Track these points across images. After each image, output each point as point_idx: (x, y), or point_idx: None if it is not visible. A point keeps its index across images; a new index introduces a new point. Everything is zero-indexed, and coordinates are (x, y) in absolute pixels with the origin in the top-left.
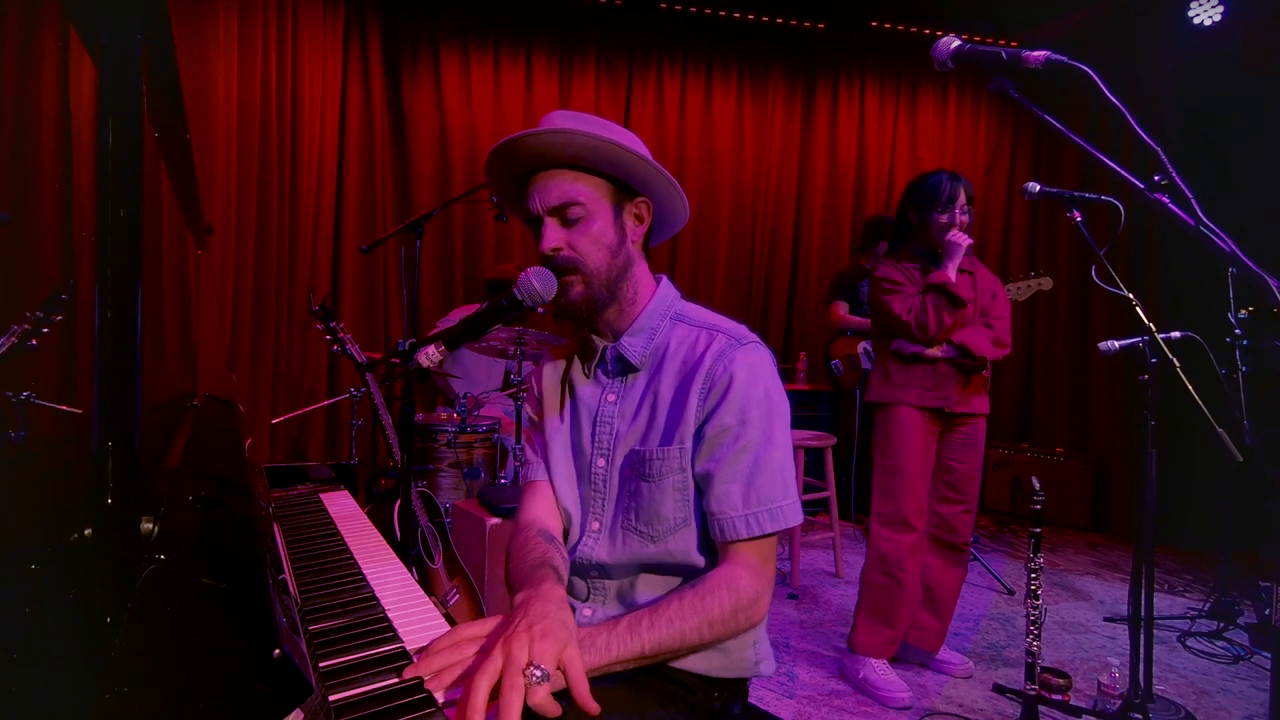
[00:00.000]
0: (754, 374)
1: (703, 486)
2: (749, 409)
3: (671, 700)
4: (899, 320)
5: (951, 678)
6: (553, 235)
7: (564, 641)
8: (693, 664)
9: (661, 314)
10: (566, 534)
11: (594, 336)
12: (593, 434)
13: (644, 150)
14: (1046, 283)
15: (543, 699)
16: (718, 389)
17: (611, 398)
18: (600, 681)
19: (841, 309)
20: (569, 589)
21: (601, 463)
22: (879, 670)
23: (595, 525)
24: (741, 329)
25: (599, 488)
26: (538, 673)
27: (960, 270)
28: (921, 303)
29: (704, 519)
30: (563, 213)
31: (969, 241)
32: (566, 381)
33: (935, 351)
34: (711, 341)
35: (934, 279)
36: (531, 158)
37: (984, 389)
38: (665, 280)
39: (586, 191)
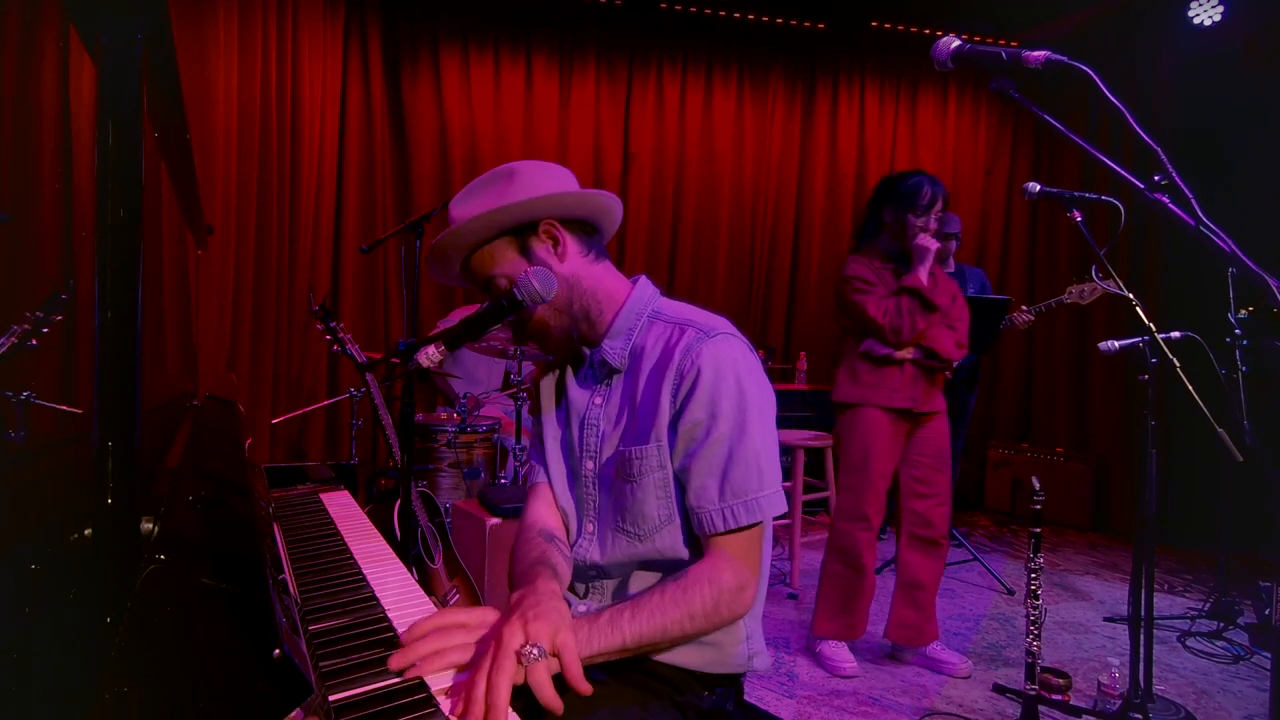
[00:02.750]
0: (721, 365)
1: (682, 482)
2: (719, 401)
3: (656, 697)
4: (873, 322)
5: (951, 678)
6: None
7: (557, 624)
8: (684, 658)
9: (638, 313)
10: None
11: (583, 347)
12: (580, 437)
13: (516, 186)
14: (1113, 286)
15: (542, 676)
16: (686, 383)
17: (598, 400)
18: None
19: None
20: (570, 588)
21: (590, 465)
22: (831, 644)
23: (590, 527)
24: (715, 321)
25: (589, 490)
26: (534, 651)
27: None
28: (895, 306)
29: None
30: (492, 290)
31: (937, 246)
32: (561, 386)
33: (905, 354)
34: (682, 336)
35: (908, 283)
36: (452, 255)
37: (941, 386)
38: (643, 280)
39: (495, 265)
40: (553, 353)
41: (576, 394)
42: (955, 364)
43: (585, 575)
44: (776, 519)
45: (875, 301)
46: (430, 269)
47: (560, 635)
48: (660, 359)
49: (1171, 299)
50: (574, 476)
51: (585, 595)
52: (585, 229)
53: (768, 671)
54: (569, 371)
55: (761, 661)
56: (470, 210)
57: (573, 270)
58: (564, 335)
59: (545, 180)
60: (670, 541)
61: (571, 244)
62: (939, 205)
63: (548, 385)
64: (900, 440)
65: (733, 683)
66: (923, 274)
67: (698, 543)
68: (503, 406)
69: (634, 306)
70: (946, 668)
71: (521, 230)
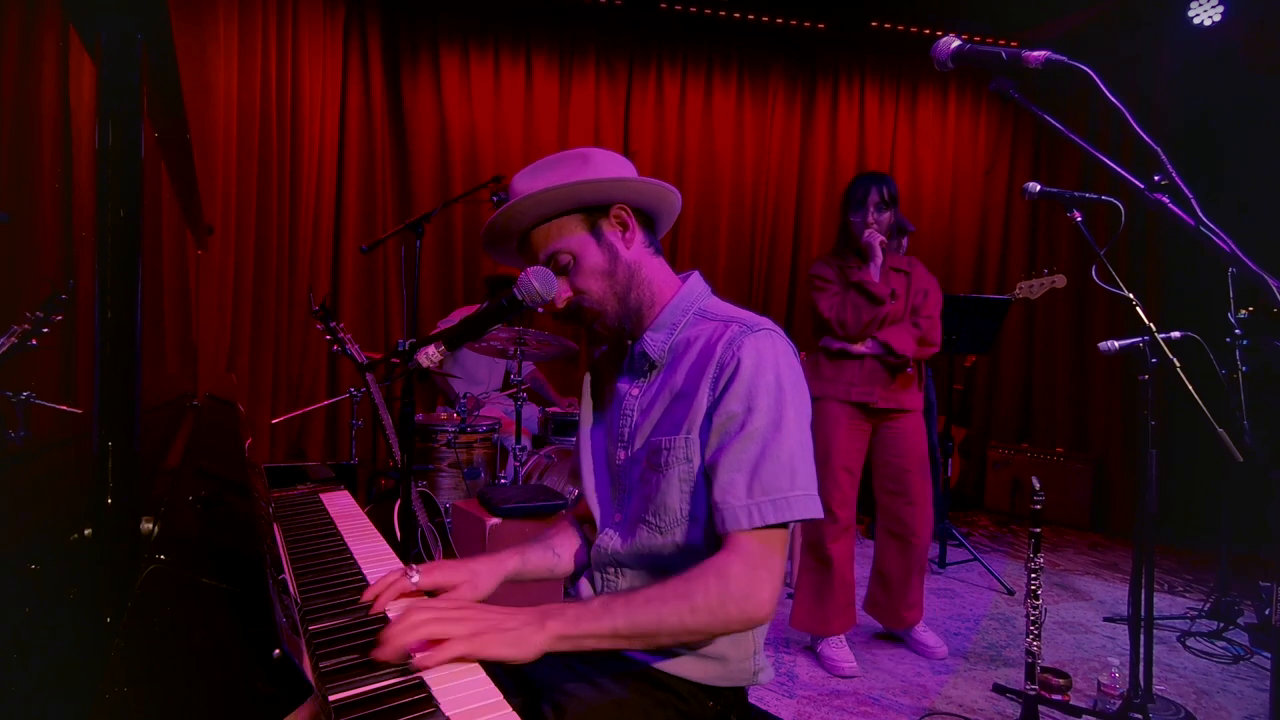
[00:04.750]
0: (762, 360)
1: (710, 477)
2: (756, 396)
3: (661, 707)
4: (822, 317)
5: (951, 677)
6: (560, 288)
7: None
8: (690, 671)
9: (684, 310)
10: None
11: (627, 340)
12: (615, 427)
13: (595, 167)
14: (1060, 280)
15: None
16: (726, 375)
17: (635, 392)
18: (587, 689)
19: None
20: (590, 583)
21: (622, 455)
22: (832, 644)
23: (618, 517)
24: (760, 319)
25: (620, 481)
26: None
27: (895, 270)
28: (842, 300)
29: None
30: (554, 265)
31: (879, 239)
32: (606, 380)
33: (860, 348)
34: (725, 331)
35: (854, 277)
36: (512, 230)
37: (913, 385)
38: (695, 277)
39: (560, 238)
40: (600, 337)
41: (617, 386)
42: (912, 361)
43: (604, 569)
44: None
45: (827, 297)
46: (486, 242)
47: (478, 636)
48: (702, 352)
49: (1171, 299)
50: (608, 467)
51: (600, 592)
52: (648, 221)
53: (769, 683)
54: (613, 365)
55: (766, 675)
56: (541, 184)
57: (636, 258)
58: (617, 322)
59: (618, 168)
60: (690, 539)
61: (639, 232)
62: (873, 197)
63: (593, 378)
64: (864, 435)
65: (737, 694)
66: (873, 269)
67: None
68: (503, 406)
69: (680, 303)
70: (924, 649)
71: (593, 210)
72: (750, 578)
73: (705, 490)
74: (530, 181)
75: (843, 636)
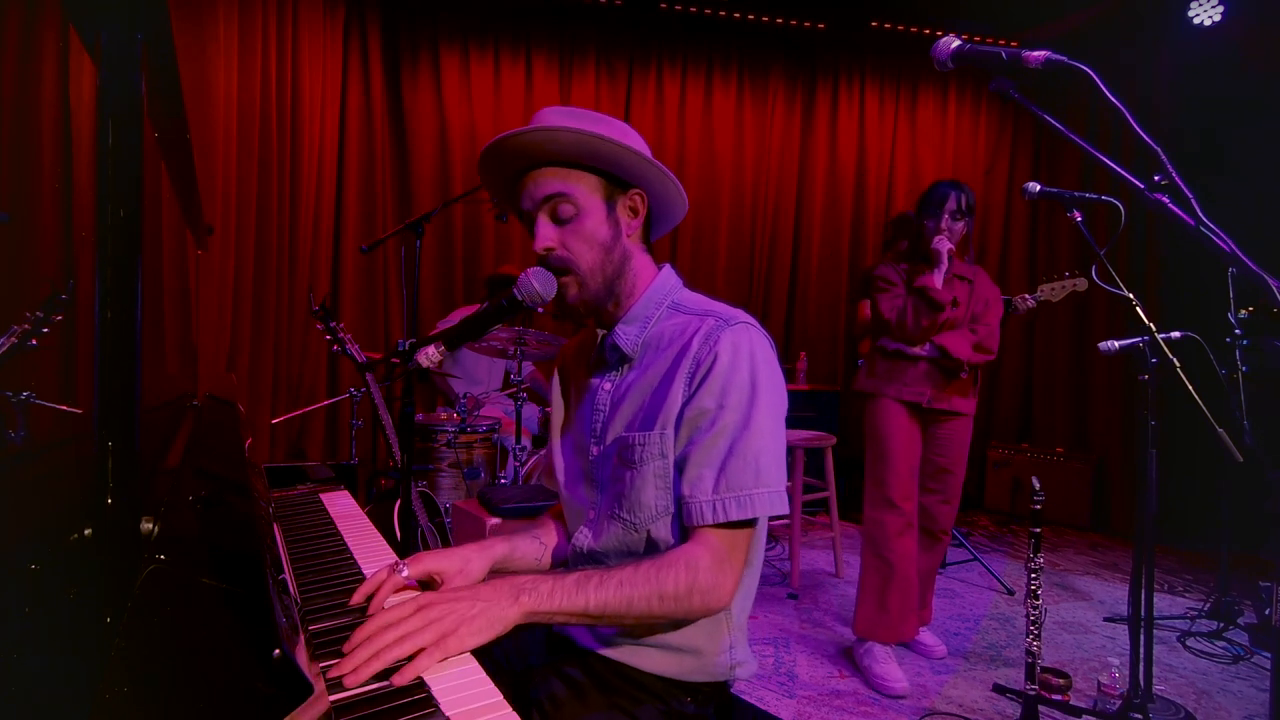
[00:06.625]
0: (738, 355)
1: (679, 470)
2: (729, 392)
3: (636, 704)
4: (882, 318)
5: (950, 677)
6: (545, 233)
7: (462, 619)
8: (663, 666)
9: (657, 303)
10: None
11: (597, 329)
12: (589, 422)
13: (635, 142)
14: (1081, 283)
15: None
16: (701, 370)
17: (607, 386)
18: (562, 684)
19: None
20: None
21: (595, 450)
22: (879, 659)
23: (592, 514)
24: (736, 312)
25: (593, 476)
26: (404, 570)
27: (960, 278)
28: (903, 304)
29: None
30: (553, 208)
31: (947, 247)
32: (575, 374)
33: (917, 350)
34: (701, 325)
35: (918, 283)
36: (522, 156)
37: (967, 391)
38: (667, 269)
39: (575, 187)
40: (569, 308)
41: (586, 380)
42: (968, 365)
43: (580, 564)
44: (775, 519)
45: (889, 299)
46: (484, 158)
47: (451, 634)
48: (676, 346)
49: (1171, 299)
50: (580, 462)
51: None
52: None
53: (750, 678)
54: (583, 359)
55: (745, 671)
56: (588, 127)
57: (633, 246)
58: (595, 300)
59: (647, 153)
60: (665, 534)
61: (639, 224)
62: (949, 204)
63: (561, 373)
64: (917, 432)
65: (716, 689)
66: (937, 276)
67: None
68: (503, 406)
69: (653, 295)
70: (921, 649)
71: (616, 181)
72: (716, 571)
73: (679, 485)
74: (568, 120)
75: (890, 650)
